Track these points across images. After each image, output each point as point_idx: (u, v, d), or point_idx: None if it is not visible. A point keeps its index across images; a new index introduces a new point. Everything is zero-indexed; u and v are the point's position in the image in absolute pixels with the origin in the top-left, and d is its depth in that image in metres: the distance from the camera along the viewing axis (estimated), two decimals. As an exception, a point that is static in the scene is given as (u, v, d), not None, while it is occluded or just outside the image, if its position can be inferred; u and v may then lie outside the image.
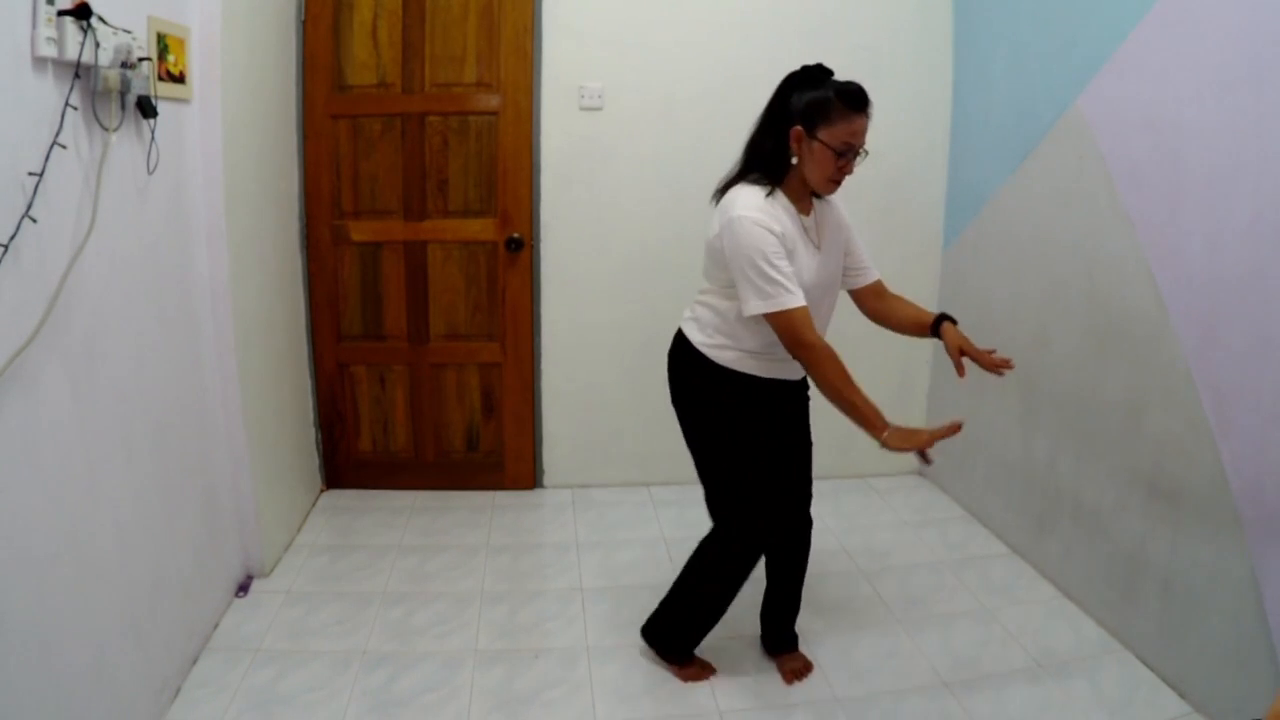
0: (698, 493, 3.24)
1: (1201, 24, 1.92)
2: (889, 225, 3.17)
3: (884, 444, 1.61)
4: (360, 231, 2.98)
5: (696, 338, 1.87)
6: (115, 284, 1.71)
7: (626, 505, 3.09)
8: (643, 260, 3.07)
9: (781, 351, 1.78)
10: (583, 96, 2.94)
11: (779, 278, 1.66)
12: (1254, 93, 1.78)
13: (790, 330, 1.68)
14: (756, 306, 1.68)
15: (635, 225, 3.06)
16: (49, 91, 1.44)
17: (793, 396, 1.99)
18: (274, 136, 2.64)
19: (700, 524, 2.94)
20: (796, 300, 1.67)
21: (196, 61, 2.08)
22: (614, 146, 2.97)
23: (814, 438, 3.59)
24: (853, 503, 3.14)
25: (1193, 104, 1.95)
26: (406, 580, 2.52)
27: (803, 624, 2.32)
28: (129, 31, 1.66)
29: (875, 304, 2.00)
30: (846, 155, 1.73)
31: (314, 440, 3.07)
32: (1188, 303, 1.99)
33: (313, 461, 3.06)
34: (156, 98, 1.78)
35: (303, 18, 2.81)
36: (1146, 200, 2.11)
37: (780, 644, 2.16)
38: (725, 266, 1.74)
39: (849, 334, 3.24)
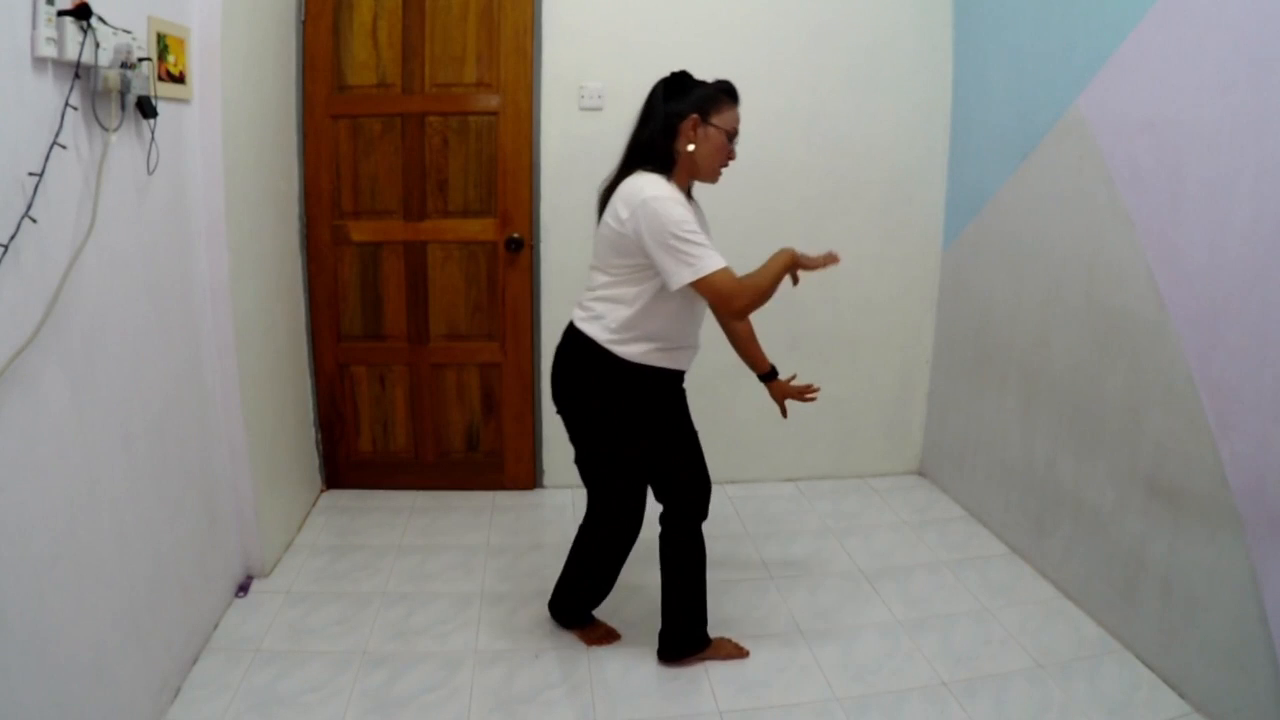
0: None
1: (1201, 24, 1.92)
2: (889, 225, 3.18)
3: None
4: (360, 231, 2.98)
5: (601, 336, 1.90)
6: (115, 284, 1.71)
7: (626, 505, 3.09)
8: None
9: (684, 338, 1.95)
10: (583, 96, 2.94)
11: (701, 241, 1.76)
12: (1254, 93, 1.78)
13: (719, 291, 1.77)
14: (685, 276, 1.75)
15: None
16: (49, 91, 1.44)
17: (678, 386, 2.08)
18: (274, 136, 2.64)
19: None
20: (720, 260, 1.76)
21: (196, 61, 2.08)
22: (614, 146, 2.94)
23: (812, 439, 3.61)
24: (853, 503, 3.14)
25: (1193, 104, 1.95)
26: (406, 580, 2.52)
27: (803, 624, 2.32)
28: (129, 31, 1.66)
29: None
30: (733, 140, 1.91)
31: (314, 440, 3.07)
32: (1188, 303, 1.99)
33: (313, 461, 3.06)
34: (156, 98, 1.78)
35: (303, 18, 2.81)
36: (1146, 201, 2.11)
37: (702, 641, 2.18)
38: (633, 253, 1.82)
39: (850, 335, 3.26)
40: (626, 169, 1.92)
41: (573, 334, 1.97)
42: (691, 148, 1.87)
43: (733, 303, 1.79)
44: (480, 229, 3.00)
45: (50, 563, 1.47)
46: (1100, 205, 2.28)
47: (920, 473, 3.41)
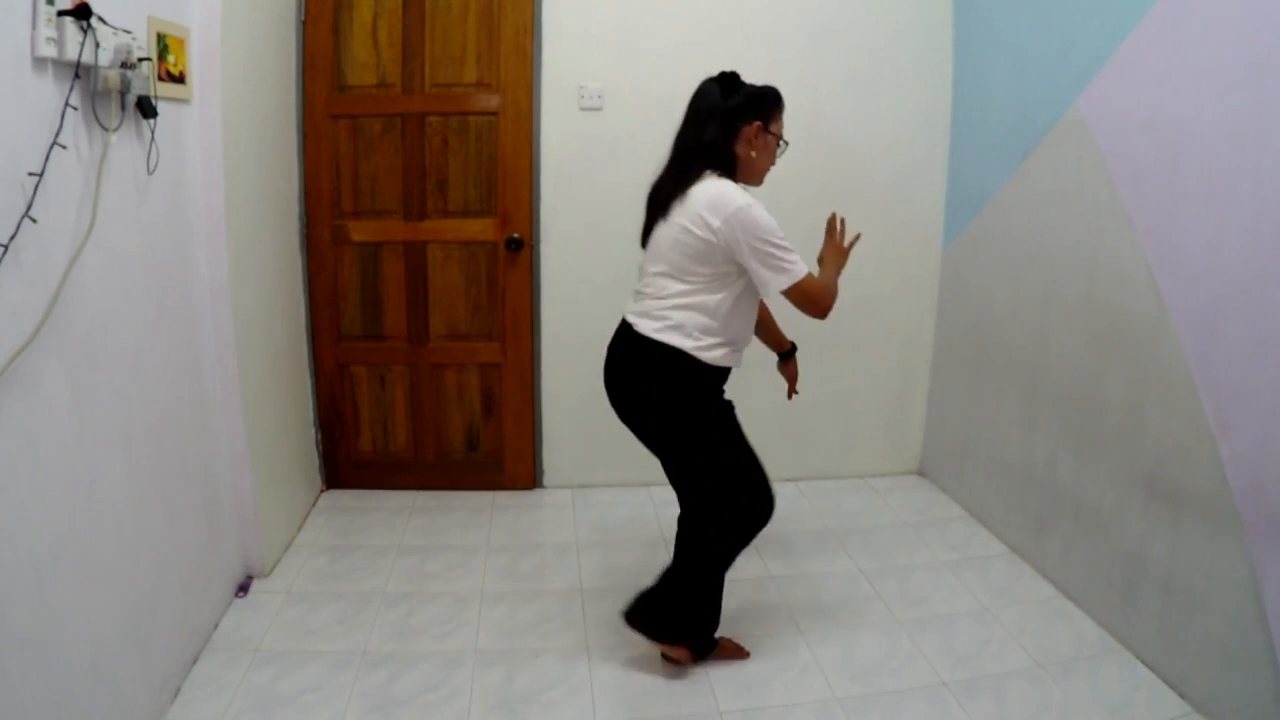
0: (698, 493, 3.22)
1: (1201, 24, 1.92)
2: (889, 225, 3.17)
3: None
4: (360, 231, 2.98)
5: (686, 344, 1.86)
6: (115, 284, 1.71)
7: (626, 505, 3.09)
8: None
9: (748, 336, 1.99)
10: (583, 96, 2.94)
11: (791, 247, 1.81)
12: (1254, 93, 1.78)
13: (810, 294, 1.83)
14: (783, 282, 1.80)
15: (635, 225, 3.02)
16: (49, 91, 1.44)
17: None
18: (274, 136, 2.64)
19: (700, 524, 2.95)
20: (804, 264, 1.83)
21: (196, 61, 2.08)
22: (614, 146, 2.97)
23: (812, 439, 3.59)
24: (853, 503, 3.14)
25: (1193, 104, 1.95)
26: (406, 580, 2.52)
27: (803, 624, 2.32)
28: (129, 31, 1.66)
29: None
30: (781, 145, 1.96)
31: (314, 440, 3.07)
32: (1188, 303, 1.99)
33: (313, 461, 3.06)
34: (156, 98, 1.78)
35: (303, 18, 2.81)
36: (1146, 200, 2.11)
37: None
38: (718, 260, 1.83)
39: (850, 334, 3.26)
40: (686, 170, 1.87)
41: (648, 345, 1.89)
42: (754, 154, 1.90)
43: (823, 303, 1.86)
44: (480, 229, 3.00)
45: (50, 563, 1.47)
46: (1100, 205, 2.28)
47: (920, 473, 3.41)
